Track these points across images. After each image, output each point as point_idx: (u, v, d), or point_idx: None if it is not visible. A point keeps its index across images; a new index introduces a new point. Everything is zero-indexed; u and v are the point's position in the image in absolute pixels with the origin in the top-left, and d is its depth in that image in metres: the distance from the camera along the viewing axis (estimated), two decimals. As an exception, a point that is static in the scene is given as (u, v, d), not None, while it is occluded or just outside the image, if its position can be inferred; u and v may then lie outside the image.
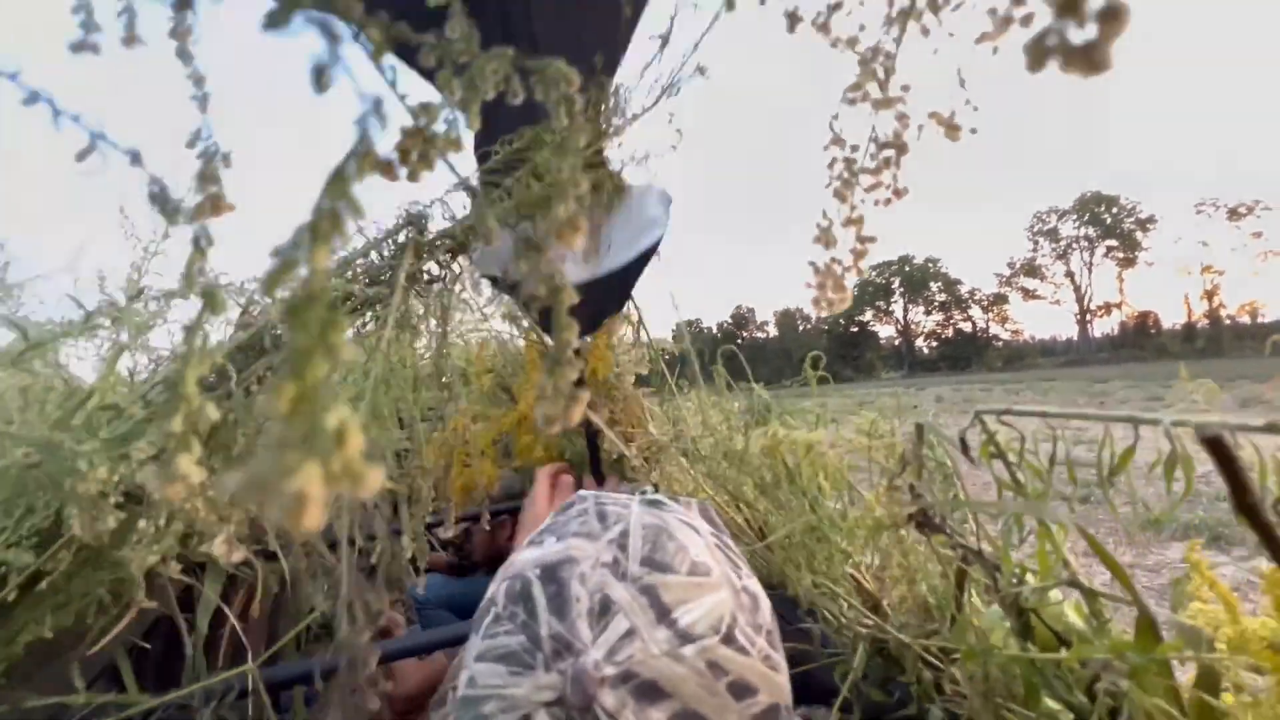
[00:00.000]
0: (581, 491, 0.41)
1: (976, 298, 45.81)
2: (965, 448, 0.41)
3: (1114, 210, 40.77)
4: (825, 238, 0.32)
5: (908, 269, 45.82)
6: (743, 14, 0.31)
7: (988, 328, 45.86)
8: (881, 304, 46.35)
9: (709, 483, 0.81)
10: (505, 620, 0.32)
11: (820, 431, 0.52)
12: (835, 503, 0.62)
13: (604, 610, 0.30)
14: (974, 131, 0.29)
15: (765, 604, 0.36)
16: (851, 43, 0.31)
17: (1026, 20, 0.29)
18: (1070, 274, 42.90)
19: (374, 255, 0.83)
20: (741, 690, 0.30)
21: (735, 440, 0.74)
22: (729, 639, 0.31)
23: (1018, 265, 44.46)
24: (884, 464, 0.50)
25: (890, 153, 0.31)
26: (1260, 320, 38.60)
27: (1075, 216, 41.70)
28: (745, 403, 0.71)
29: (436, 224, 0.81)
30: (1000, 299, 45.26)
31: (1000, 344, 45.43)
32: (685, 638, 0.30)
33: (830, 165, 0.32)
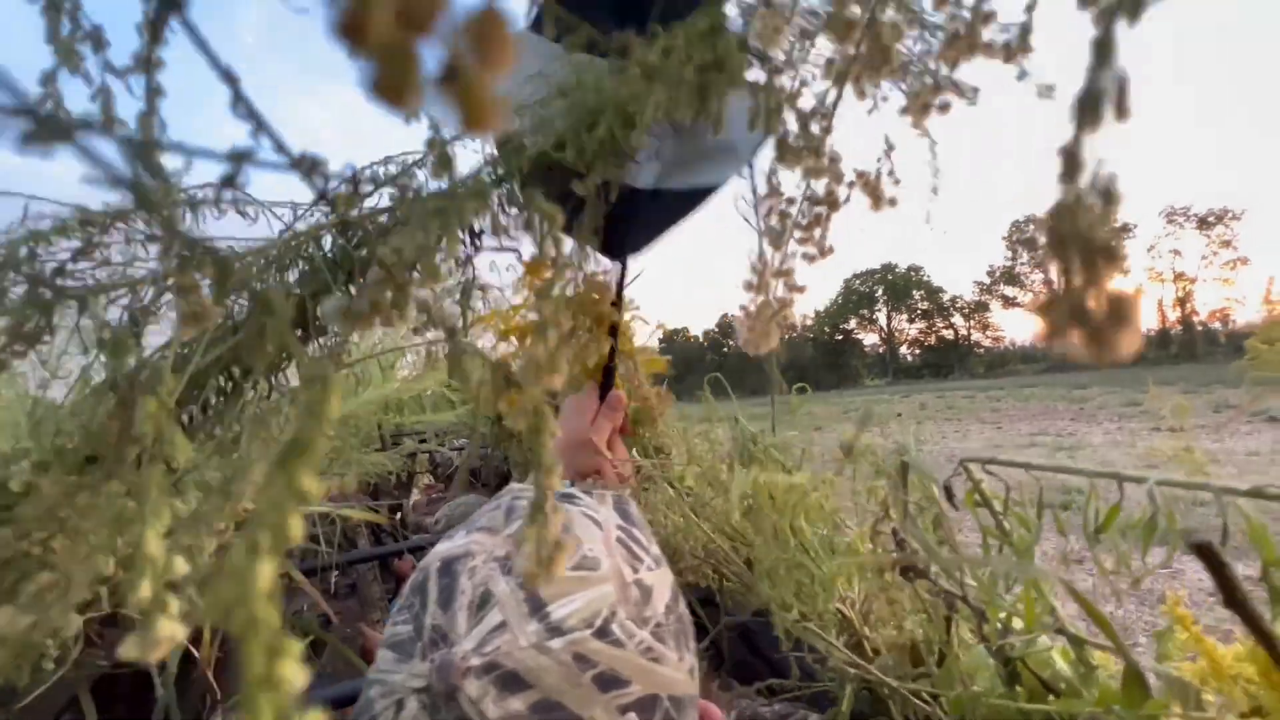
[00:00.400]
0: (511, 484, 0.42)
1: (958, 305, 46.52)
2: (950, 496, 0.41)
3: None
4: (757, 284, 0.32)
5: (890, 277, 46.43)
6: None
7: (969, 334, 46.54)
8: (866, 312, 46.86)
9: (695, 514, 0.80)
10: (404, 610, 0.34)
11: (802, 475, 0.51)
12: (822, 533, 0.61)
13: (483, 603, 0.32)
14: (893, 203, 0.29)
15: (661, 597, 0.36)
16: (792, 99, 0.30)
17: (944, 108, 0.29)
18: (1049, 282, 43.59)
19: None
20: (609, 682, 0.31)
21: (720, 470, 0.73)
22: (602, 632, 0.32)
23: (998, 273, 45.25)
24: (867, 507, 0.49)
25: (821, 209, 0.31)
26: (1231, 326, 39.60)
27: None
28: (729, 432, 0.70)
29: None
30: (981, 306, 45.99)
31: (982, 350, 46.10)
32: (555, 631, 0.31)
33: (766, 215, 0.32)
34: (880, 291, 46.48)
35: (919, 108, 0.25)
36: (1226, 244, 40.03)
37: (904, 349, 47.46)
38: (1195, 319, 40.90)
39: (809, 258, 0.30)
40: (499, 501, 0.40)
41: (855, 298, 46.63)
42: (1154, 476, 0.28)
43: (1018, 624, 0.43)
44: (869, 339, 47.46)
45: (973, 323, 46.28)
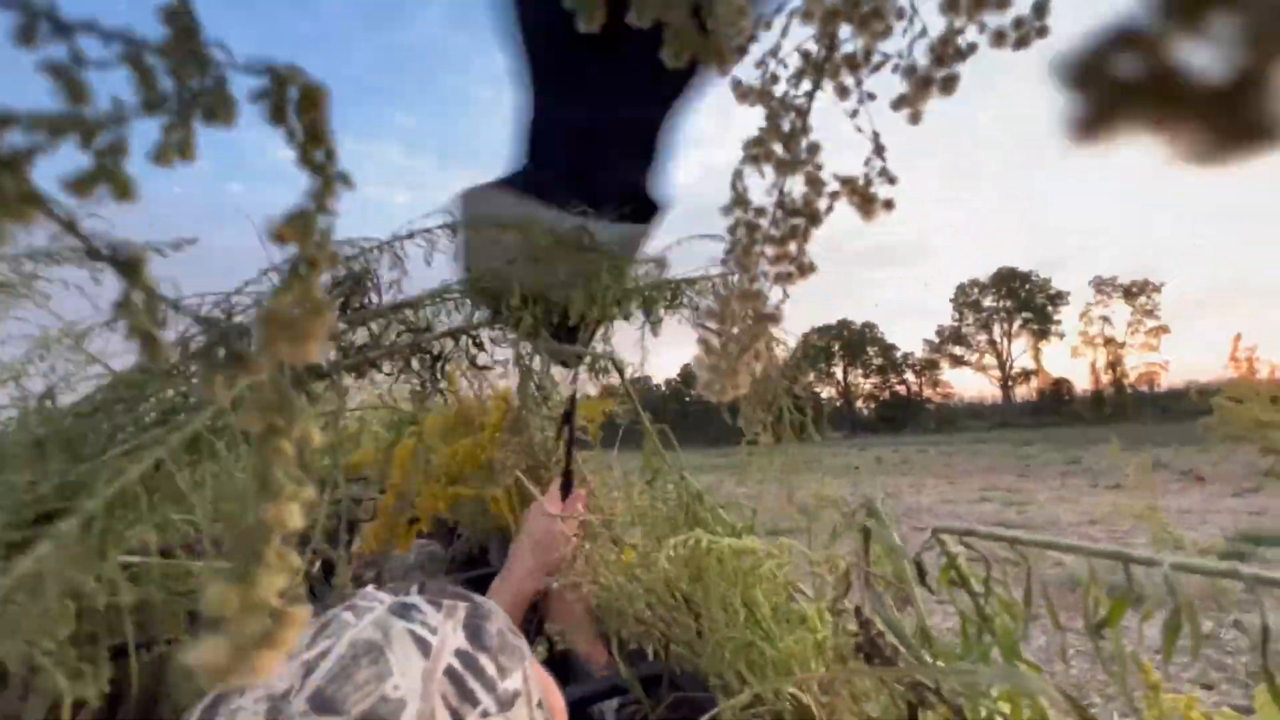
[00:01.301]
0: (366, 589, 0.34)
1: (910, 362, 48.26)
2: (922, 573, 0.35)
3: (1028, 286, 44.45)
4: (723, 313, 0.26)
5: (846, 333, 48.00)
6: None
7: (921, 391, 48.12)
8: (824, 366, 48.04)
9: (639, 576, 0.72)
10: None
11: (752, 540, 0.45)
12: (775, 605, 0.55)
13: None
14: (888, 206, 0.24)
15: None
16: (763, 96, 0.26)
17: (947, 84, 0.25)
18: (993, 342, 46.00)
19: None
20: None
21: (665, 528, 0.66)
22: None
23: (946, 333, 47.38)
24: (826, 580, 0.43)
25: (799, 221, 0.26)
26: (1156, 389, 42.24)
27: (994, 290, 45.18)
28: (674, 491, 0.63)
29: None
30: (931, 364, 47.81)
31: (933, 406, 47.63)
32: None
33: (732, 230, 0.27)
34: (837, 346, 47.90)
35: (918, 86, 0.21)
36: (1149, 313, 43.13)
37: (860, 403, 48.63)
38: (1125, 382, 43.45)
39: (784, 277, 0.24)
40: (327, 612, 0.31)
41: (814, 352, 47.80)
42: (1169, 559, 0.23)
43: (1000, 724, 0.37)
44: (827, 393, 48.48)
45: (924, 379, 47.98)
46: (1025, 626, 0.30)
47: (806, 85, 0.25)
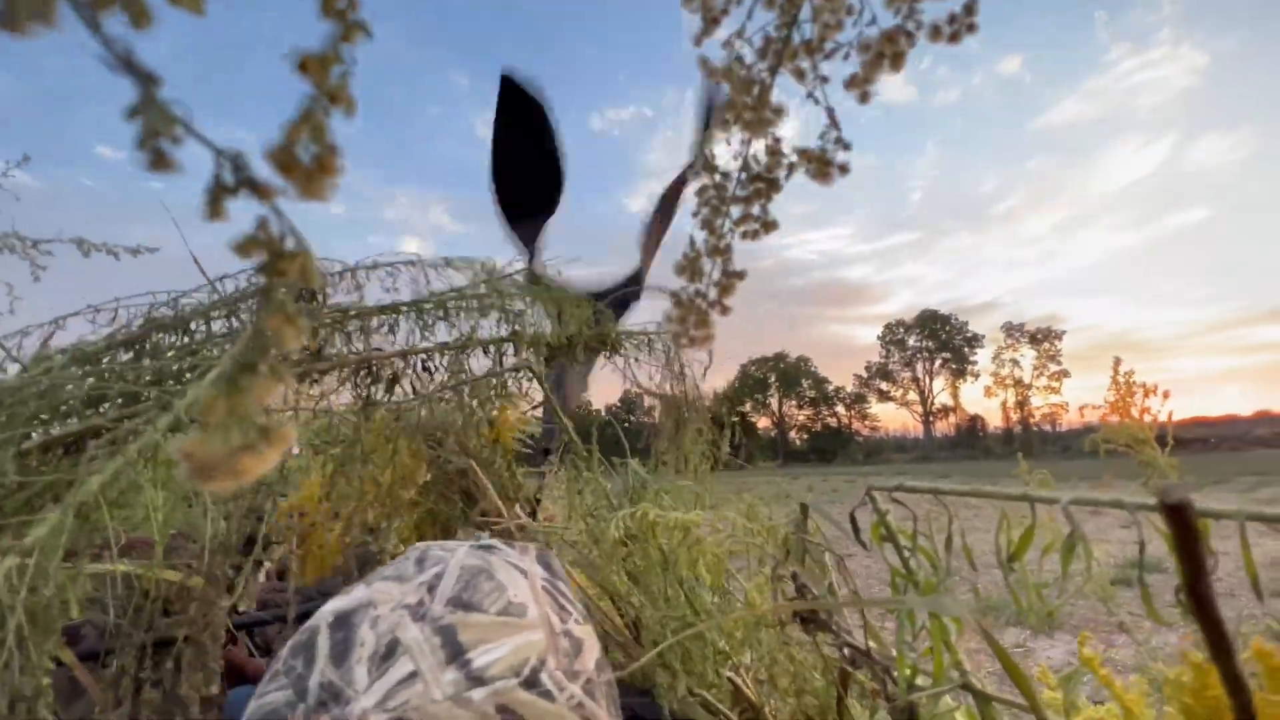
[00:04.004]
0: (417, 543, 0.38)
1: (841, 396, 50.32)
2: (856, 528, 0.37)
3: (947, 328, 47.62)
4: (691, 269, 0.28)
5: (782, 365, 49.60)
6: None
7: (850, 423, 50.15)
8: (760, 397, 49.31)
9: (577, 572, 0.72)
10: (281, 675, 0.29)
11: (698, 513, 0.46)
12: (713, 596, 0.56)
13: (389, 654, 0.28)
14: (843, 170, 0.27)
15: (592, 652, 0.33)
16: (726, 74, 0.28)
17: (896, 60, 0.28)
18: (915, 380, 48.74)
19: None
20: None
21: (603, 517, 0.66)
22: (531, 682, 0.29)
23: (873, 369, 49.83)
24: (766, 550, 0.44)
25: (761, 185, 0.28)
26: (1058, 428, 45.89)
27: (918, 330, 48.13)
28: (621, 482, 0.64)
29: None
30: (860, 398, 50.03)
31: (861, 439, 49.70)
32: (476, 680, 0.27)
33: (700, 193, 0.29)
34: (773, 378, 49.37)
35: (871, 63, 0.23)
36: (1052, 358, 47.02)
37: (793, 434, 50.10)
38: (1031, 421, 46.96)
39: (750, 234, 0.26)
40: (408, 554, 0.35)
41: (751, 382, 49.07)
42: (1066, 497, 0.26)
43: (924, 682, 0.39)
44: (763, 423, 49.70)
45: (853, 413, 50.07)
46: (945, 573, 0.33)
47: (769, 62, 0.27)
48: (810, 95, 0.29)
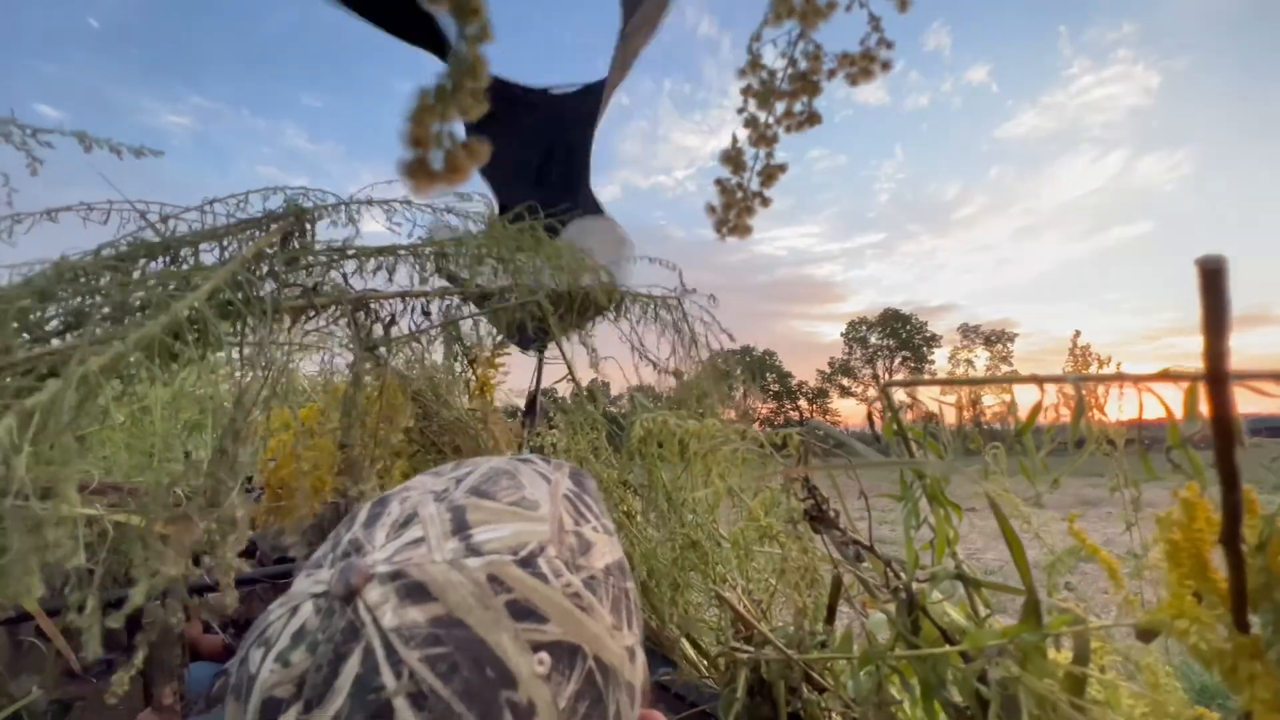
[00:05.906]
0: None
1: (804, 390, 51.36)
2: (872, 425, 0.40)
3: (908, 328, 49.07)
4: (734, 161, 0.30)
5: (748, 359, 50.30)
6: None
7: (812, 417, 51.29)
8: (725, 388, 49.93)
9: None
10: (325, 543, 0.33)
11: (712, 422, 0.49)
12: (713, 517, 0.59)
13: (406, 523, 0.31)
14: (885, 67, 0.30)
15: (603, 555, 0.35)
16: None
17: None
18: (876, 377, 50.10)
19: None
20: (523, 612, 0.29)
21: (607, 452, 0.68)
22: (527, 563, 0.31)
23: (836, 365, 51.00)
24: (776, 456, 0.47)
25: (804, 83, 0.30)
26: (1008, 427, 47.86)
27: (879, 329, 49.45)
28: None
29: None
30: (822, 393, 51.18)
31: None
32: (473, 551, 0.30)
33: (744, 91, 0.31)
34: (739, 370, 50.03)
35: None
36: (1004, 359, 48.93)
37: (756, 427, 51.01)
38: (982, 419, 48.86)
39: (794, 126, 0.29)
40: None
41: (718, 375, 49.62)
42: (1072, 376, 0.29)
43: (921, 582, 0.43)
44: (727, 415, 50.34)
45: (815, 407, 51.18)
46: (952, 460, 0.36)
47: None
48: (848, 7, 0.32)
